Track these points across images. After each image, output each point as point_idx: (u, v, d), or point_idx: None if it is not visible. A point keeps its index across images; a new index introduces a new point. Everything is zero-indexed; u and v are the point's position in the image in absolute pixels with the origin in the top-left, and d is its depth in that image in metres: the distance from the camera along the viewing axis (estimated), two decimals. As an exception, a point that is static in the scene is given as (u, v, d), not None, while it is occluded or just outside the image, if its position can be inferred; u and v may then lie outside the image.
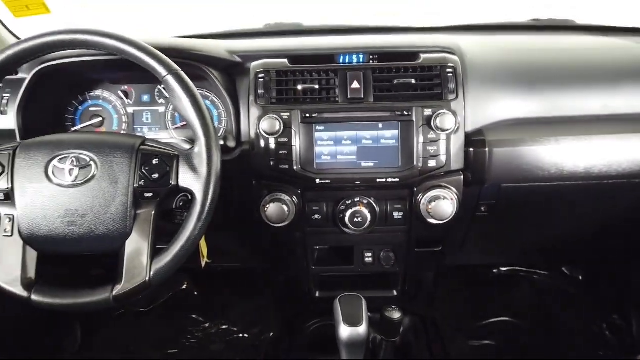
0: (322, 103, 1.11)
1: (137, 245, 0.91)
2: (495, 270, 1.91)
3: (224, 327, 1.83)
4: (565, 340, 1.70)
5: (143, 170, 0.91)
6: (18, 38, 1.45)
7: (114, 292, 0.90)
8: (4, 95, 1.18)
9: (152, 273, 0.90)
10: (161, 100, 1.29)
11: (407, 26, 1.56)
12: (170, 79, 0.92)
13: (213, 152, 0.91)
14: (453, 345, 1.53)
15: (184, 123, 1.28)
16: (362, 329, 0.99)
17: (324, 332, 1.39)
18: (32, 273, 0.91)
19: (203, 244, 1.16)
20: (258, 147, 1.11)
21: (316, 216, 1.18)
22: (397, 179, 1.09)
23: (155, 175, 0.91)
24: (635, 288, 1.68)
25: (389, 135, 1.09)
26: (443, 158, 1.08)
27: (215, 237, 1.17)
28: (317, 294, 1.37)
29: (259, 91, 1.12)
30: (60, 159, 0.91)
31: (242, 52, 1.21)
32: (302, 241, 1.25)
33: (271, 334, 1.75)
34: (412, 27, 1.55)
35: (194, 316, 1.85)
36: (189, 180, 0.91)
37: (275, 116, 1.08)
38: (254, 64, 1.15)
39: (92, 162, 0.91)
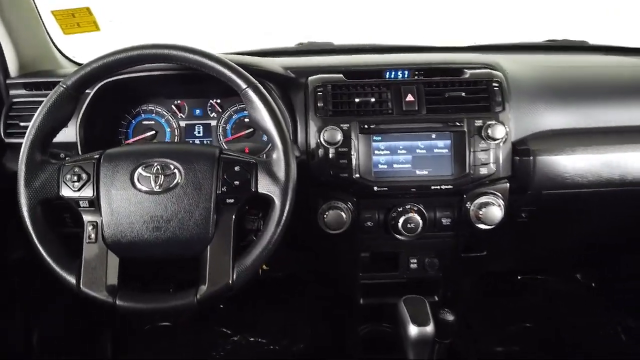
0: (376, 115, 1.18)
1: (219, 249, 0.95)
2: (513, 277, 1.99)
3: (252, 339, 1.85)
4: (584, 345, 1.78)
5: (225, 177, 0.95)
6: (65, 56, 1.48)
7: (198, 296, 0.93)
8: None
9: (234, 275, 0.93)
10: (213, 114, 1.34)
11: (430, 45, 1.66)
12: (249, 92, 0.97)
13: (290, 159, 0.96)
14: (486, 348, 1.59)
15: (236, 136, 1.34)
16: (429, 328, 1.04)
17: (376, 336, 1.43)
18: (115, 278, 0.94)
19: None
20: (318, 156, 1.16)
21: (368, 223, 1.23)
22: (450, 186, 1.16)
23: (237, 182, 0.95)
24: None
25: (441, 145, 1.16)
26: (493, 166, 1.15)
27: None
28: (361, 301, 1.41)
29: (319, 104, 1.18)
30: (146, 166, 0.95)
31: (295, 68, 1.27)
32: (352, 248, 1.30)
33: (301, 345, 1.77)
34: (436, 47, 1.64)
35: (222, 329, 1.86)
36: (268, 186, 0.96)
37: (336, 127, 1.14)
38: (311, 78, 1.22)
39: (176, 170, 0.95)
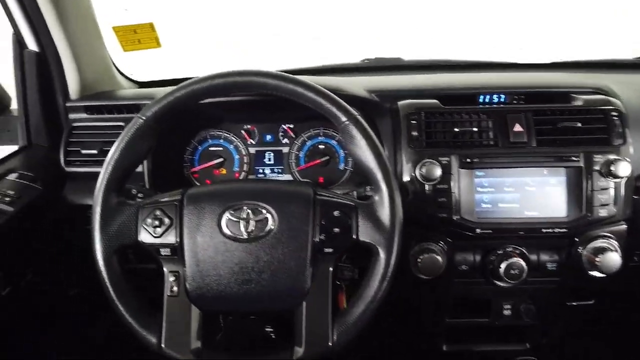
0: (477, 147, 1.05)
1: (316, 305, 0.83)
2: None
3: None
4: None
5: (323, 223, 0.83)
6: (123, 74, 1.38)
7: (295, 358, 0.81)
8: None
9: (335, 336, 0.81)
10: (285, 140, 1.23)
11: (511, 62, 1.51)
12: (350, 126, 0.85)
13: (396, 202, 0.84)
14: None
15: (310, 164, 1.22)
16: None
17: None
18: (199, 336, 0.83)
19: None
20: (412, 193, 1.03)
21: (463, 267, 1.10)
22: (564, 230, 1.02)
23: (336, 229, 0.83)
24: None
25: (554, 182, 1.02)
26: (614, 207, 1.01)
27: None
28: (445, 348, 1.28)
29: (413, 133, 1.05)
30: (234, 210, 0.83)
31: (379, 92, 1.15)
32: (440, 292, 1.17)
33: None
34: (519, 64, 1.50)
35: None
36: (371, 234, 0.83)
37: (434, 161, 1.01)
38: (402, 104, 1.09)
39: (268, 215, 0.83)
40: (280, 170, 1.23)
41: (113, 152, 0.84)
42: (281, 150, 1.23)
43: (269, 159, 1.23)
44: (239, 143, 1.22)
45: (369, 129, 0.86)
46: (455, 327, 1.24)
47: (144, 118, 0.85)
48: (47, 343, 1.14)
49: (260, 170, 1.23)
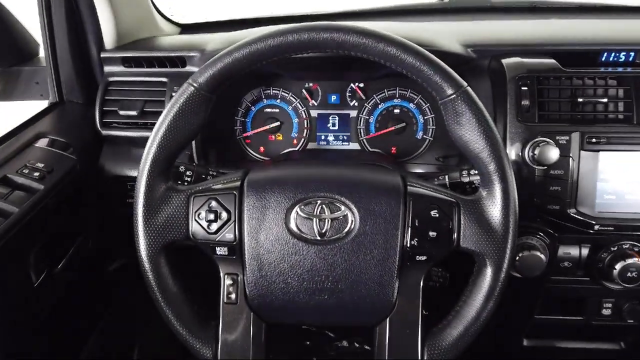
0: (601, 123, 0.83)
1: (403, 322, 0.68)
2: None
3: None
4: None
5: (417, 225, 0.66)
6: (164, 15, 1.19)
7: None
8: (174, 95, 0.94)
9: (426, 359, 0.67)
10: (353, 102, 1.03)
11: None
12: (458, 100, 0.65)
13: (511, 200, 0.65)
14: None
15: (381, 132, 1.03)
16: None
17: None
18: (262, 352, 0.70)
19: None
20: (517, 177, 0.83)
21: (566, 263, 0.92)
22: None
23: (433, 233, 0.66)
24: None
25: (702, 171, 0.81)
26: None
27: None
28: (525, 342, 1.13)
29: (523, 103, 0.84)
30: (305, 204, 0.67)
31: (477, 45, 0.93)
32: (534, 291, 1.00)
33: None
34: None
35: None
36: (476, 239, 0.66)
37: (550, 140, 0.80)
38: (508, 63, 0.87)
39: (347, 211, 0.66)
40: (345, 138, 1.05)
41: (157, 128, 0.67)
42: (348, 114, 1.04)
43: (333, 124, 1.05)
44: (298, 104, 1.04)
45: (481, 106, 0.66)
46: (543, 323, 1.08)
47: (195, 85, 0.67)
48: (87, 322, 1.06)
49: (323, 137, 1.05)
